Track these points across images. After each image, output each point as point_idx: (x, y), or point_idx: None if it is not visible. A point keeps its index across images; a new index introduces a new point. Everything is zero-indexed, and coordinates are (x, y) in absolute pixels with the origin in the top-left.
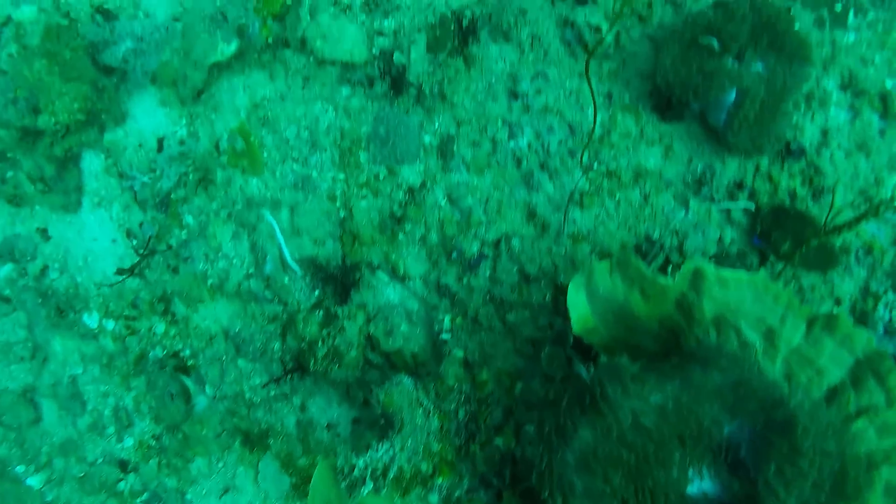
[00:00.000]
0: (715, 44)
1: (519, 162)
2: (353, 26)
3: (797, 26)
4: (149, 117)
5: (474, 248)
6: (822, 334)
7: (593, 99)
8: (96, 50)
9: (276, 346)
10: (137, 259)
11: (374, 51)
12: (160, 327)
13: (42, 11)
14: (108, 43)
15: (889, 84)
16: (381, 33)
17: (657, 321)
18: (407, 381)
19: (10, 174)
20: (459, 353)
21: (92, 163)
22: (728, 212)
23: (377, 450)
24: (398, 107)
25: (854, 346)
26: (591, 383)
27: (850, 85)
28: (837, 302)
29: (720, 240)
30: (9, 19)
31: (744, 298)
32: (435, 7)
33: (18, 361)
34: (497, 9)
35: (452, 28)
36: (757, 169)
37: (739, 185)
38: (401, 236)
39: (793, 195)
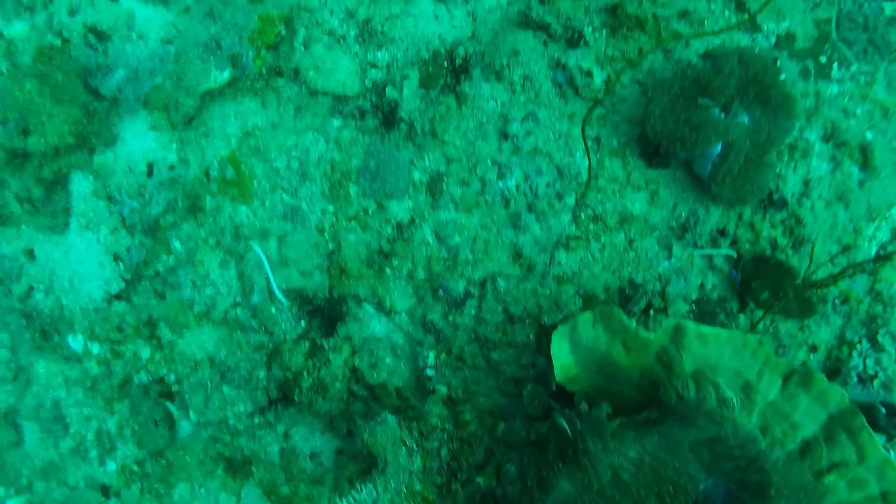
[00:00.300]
0: (710, 104)
1: (507, 202)
2: (346, 58)
3: (783, 76)
4: (139, 141)
5: (460, 286)
6: (798, 390)
7: (588, 160)
8: (89, 74)
9: (262, 374)
10: (124, 283)
11: (366, 83)
12: (145, 352)
13: (34, 29)
14: (102, 67)
15: (869, 136)
16: (374, 65)
17: (638, 372)
18: (391, 419)
19: None
20: (443, 390)
21: (80, 185)
22: (710, 258)
23: (360, 491)
24: (389, 142)
25: (828, 402)
26: (574, 437)
27: (832, 136)
28: (813, 349)
29: (702, 285)
30: (0, 36)
31: (722, 354)
32: (429, 41)
33: (1, 383)
34: (490, 48)
35: (445, 65)
36: (740, 217)
37: (722, 233)
38: (388, 271)
39: (774, 244)
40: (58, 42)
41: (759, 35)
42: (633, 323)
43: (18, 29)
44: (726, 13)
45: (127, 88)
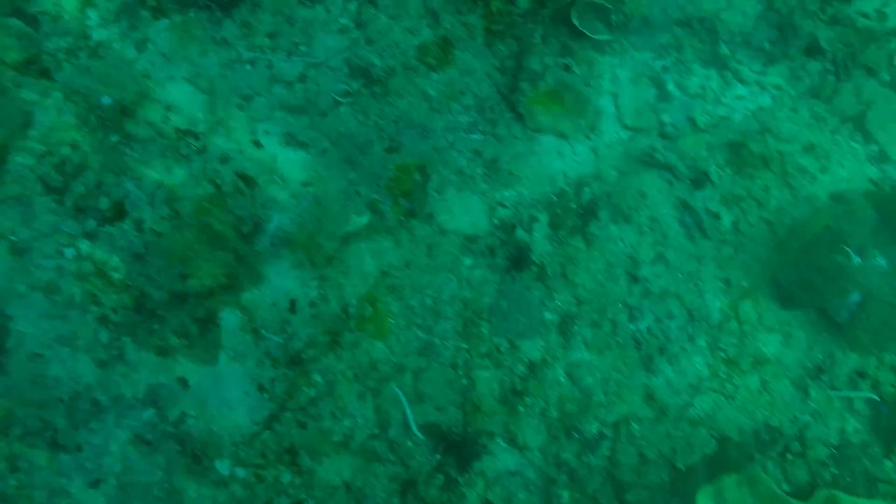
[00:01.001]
0: (853, 255)
1: (638, 345)
2: (475, 198)
3: None
4: (282, 279)
5: (594, 427)
6: None
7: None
8: (241, 223)
9: (396, 502)
10: (268, 412)
11: (495, 221)
12: (286, 477)
13: (191, 177)
14: (252, 216)
15: None
16: (502, 205)
17: None
18: None
19: (157, 328)
20: None
21: (230, 320)
22: (850, 401)
23: None
24: (519, 282)
25: None
26: None
27: None
28: None
29: (842, 429)
30: (161, 184)
31: None
32: (554, 178)
33: (155, 502)
34: (617, 189)
35: (572, 205)
36: (880, 360)
37: (861, 375)
38: (521, 408)
39: None
40: (212, 189)
41: (888, 165)
42: (775, 485)
43: (177, 176)
44: (852, 144)
45: (275, 236)
